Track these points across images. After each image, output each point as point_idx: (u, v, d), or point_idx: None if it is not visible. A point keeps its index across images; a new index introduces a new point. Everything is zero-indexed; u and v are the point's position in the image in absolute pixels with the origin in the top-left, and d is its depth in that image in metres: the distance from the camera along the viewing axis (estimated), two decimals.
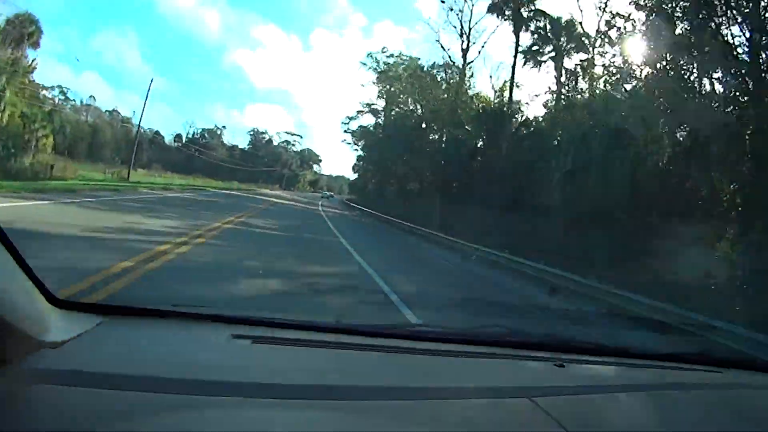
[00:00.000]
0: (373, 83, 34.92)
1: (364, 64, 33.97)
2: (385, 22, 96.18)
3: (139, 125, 37.30)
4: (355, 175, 52.13)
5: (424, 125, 28.41)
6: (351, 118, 43.13)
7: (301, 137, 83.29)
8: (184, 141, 65.57)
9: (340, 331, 1.46)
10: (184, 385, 0.97)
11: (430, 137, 27.57)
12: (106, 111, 51.34)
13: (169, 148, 62.04)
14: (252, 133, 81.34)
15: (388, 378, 1.20)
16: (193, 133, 69.10)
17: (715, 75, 11.26)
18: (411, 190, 27.72)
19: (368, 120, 40.61)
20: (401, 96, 32.17)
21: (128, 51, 69.14)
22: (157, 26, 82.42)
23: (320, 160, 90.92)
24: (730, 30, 10.52)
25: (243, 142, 75.02)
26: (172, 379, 0.98)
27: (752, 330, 4.98)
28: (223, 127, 76.63)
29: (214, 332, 1.29)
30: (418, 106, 29.93)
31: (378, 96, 35.88)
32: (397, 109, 33.03)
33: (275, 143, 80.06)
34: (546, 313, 5.64)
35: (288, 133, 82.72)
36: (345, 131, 45.76)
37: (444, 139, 25.62)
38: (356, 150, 48.70)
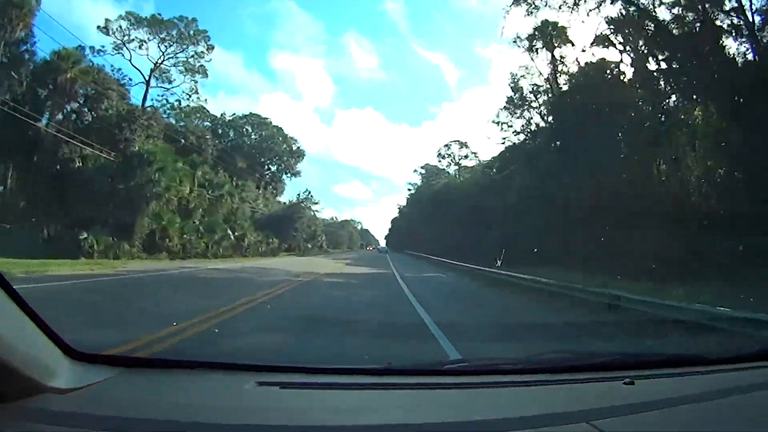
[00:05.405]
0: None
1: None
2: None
3: None
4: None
5: None
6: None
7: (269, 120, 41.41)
8: None
9: (375, 372, 1.39)
10: (202, 429, 0.92)
11: None
12: None
13: None
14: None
15: (422, 415, 1.12)
16: None
17: None
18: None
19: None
20: None
21: None
22: None
23: (316, 202, 48.80)
24: None
25: None
26: (189, 423, 0.93)
27: None
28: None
29: (239, 380, 1.24)
30: None
31: None
32: None
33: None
34: None
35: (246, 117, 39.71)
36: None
37: None
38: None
